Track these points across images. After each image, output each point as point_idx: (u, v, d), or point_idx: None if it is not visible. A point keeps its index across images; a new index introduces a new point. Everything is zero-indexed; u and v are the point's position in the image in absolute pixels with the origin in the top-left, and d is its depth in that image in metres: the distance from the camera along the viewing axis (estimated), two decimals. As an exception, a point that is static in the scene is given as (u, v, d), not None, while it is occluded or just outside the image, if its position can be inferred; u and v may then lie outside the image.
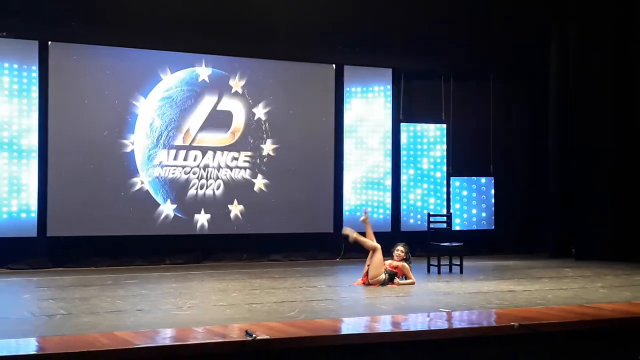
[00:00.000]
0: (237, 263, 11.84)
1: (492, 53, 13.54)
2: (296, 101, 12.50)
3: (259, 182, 12.14)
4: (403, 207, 13.19)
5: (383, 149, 13.04)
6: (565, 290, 8.90)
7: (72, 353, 4.85)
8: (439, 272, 10.56)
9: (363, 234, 9.64)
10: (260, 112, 12.13)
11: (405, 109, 13.29)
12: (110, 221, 11.27)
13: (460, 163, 13.55)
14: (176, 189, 11.65)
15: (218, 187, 11.91)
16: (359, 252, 12.61)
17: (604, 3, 12.87)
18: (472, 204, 13.52)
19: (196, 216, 11.75)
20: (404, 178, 13.24)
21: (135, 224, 11.43)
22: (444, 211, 13.08)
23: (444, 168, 13.42)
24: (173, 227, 11.65)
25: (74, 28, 11.09)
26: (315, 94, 12.66)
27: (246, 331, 5.35)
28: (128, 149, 11.41)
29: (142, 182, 11.48)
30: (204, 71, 11.80)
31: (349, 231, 9.65)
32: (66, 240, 11.08)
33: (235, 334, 5.63)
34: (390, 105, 13.11)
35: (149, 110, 11.53)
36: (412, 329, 6.14)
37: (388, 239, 12.90)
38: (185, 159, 11.72)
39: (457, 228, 12.95)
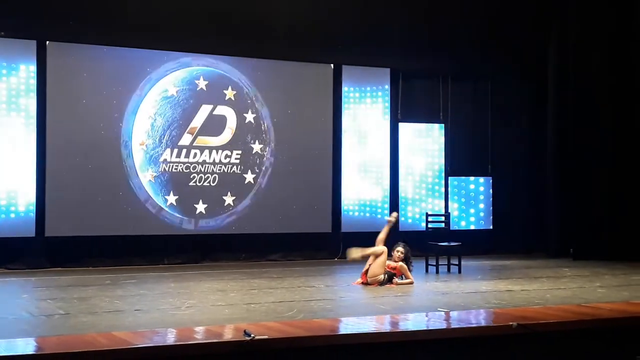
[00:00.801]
0: (236, 263, 11.83)
1: (491, 53, 13.54)
2: (294, 101, 12.50)
3: (249, 177, 12.12)
4: (401, 206, 13.19)
5: (381, 149, 13.04)
6: (563, 290, 8.91)
7: (70, 353, 4.85)
8: (437, 272, 10.56)
9: (377, 233, 9.60)
10: (250, 116, 12.12)
11: (404, 109, 13.30)
12: (109, 221, 11.26)
13: (458, 163, 13.57)
14: (178, 182, 11.67)
15: (214, 181, 11.92)
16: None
17: (603, 3, 12.88)
18: (470, 204, 13.53)
19: (195, 205, 11.77)
20: (401, 178, 13.24)
21: (134, 224, 11.42)
22: (442, 211, 13.09)
23: (442, 168, 13.43)
24: (171, 227, 11.65)
25: (72, 28, 11.08)
26: (313, 94, 12.66)
27: (244, 331, 5.35)
28: (126, 149, 11.41)
29: (141, 182, 11.48)
30: (201, 82, 11.81)
31: (354, 254, 9.52)
32: (64, 240, 11.07)
33: (233, 333, 5.64)
34: (388, 105, 13.12)
35: (147, 110, 11.53)
36: (411, 328, 6.15)
37: (387, 239, 12.96)
38: (186, 157, 11.73)
39: (456, 228, 12.98)
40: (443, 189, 13.39)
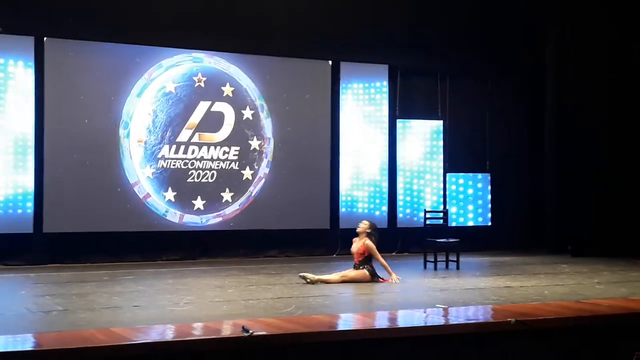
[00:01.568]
0: (234, 259, 11.83)
1: (489, 50, 13.54)
2: (292, 98, 12.49)
3: (247, 173, 12.12)
4: (399, 203, 13.19)
5: (379, 145, 13.04)
6: (561, 286, 8.92)
7: (69, 349, 4.85)
8: (435, 268, 10.57)
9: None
10: (248, 112, 12.11)
11: (402, 106, 13.29)
12: (107, 217, 11.26)
13: (456, 159, 13.57)
14: (176, 179, 11.66)
15: (212, 177, 11.92)
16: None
17: (602, 1, 12.88)
18: (468, 201, 13.53)
19: (193, 202, 11.76)
20: (400, 174, 13.24)
21: (132, 220, 11.42)
22: (441, 207, 13.09)
23: (440, 164, 13.43)
24: (170, 224, 11.64)
25: (70, 24, 11.06)
26: (311, 90, 12.65)
27: (243, 327, 5.35)
28: (124, 145, 11.40)
29: (139, 178, 11.47)
30: (200, 78, 11.80)
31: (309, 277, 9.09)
32: (63, 237, 11.06)
33: (231, 330, 5.63)
34: (386, 101, 13.11)
35: (146, 106, 11.52)
36: (409, 325, 6.16)
37: (385, 236, 12.96)
38: (184, 153, 11.72)
39: (454, 224, 12.98)
40: (441, 186, 13.39)
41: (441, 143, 13.40)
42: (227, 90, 12.02)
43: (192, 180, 11.79)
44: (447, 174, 13.44)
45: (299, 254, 12.36)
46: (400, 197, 13.21)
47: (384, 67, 13.11)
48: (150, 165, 11.53)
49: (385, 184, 13.05)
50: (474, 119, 13.77)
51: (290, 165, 12.42)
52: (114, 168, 11.34)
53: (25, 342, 5.25)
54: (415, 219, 13.08)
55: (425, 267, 10.73)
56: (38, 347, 4.99)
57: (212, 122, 11.91)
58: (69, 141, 11.07)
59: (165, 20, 11.51)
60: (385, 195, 13.04)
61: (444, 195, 13.40)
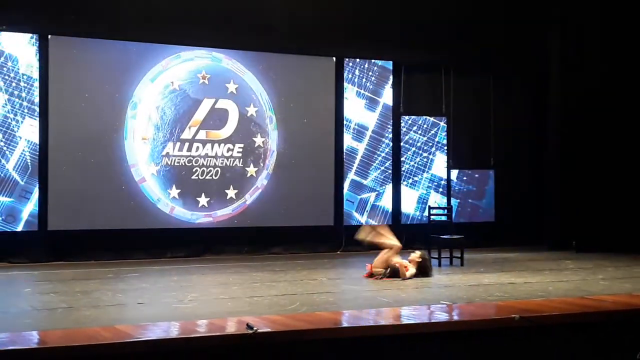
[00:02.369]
0: (238, 256, 11.85)
1: (493, 46, 13.51)
2: (296, 94, 12.48)
3: (251, 170, 12.12)
4: (403, 199, 13.18)
5: (383, 142, 13.03)
6: (565, 282, 8.91)
7: (73, 346, 4.85)
8: (439, 265, 10.56)
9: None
10: (252, 109, 12.11)
11: (406, 102, 13.29)
12: (112, 214, 11.28)
13: (460, 156, 13.56)
14: (180, 176, 11.67)
15: (216, 174, 11.92)
16: (359, 245, 12.67)
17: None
18: (472, 197, 13.51)
19: (197, 199, 11.77)
20: (404, 171, 13.23)
21: (137, 218, 11.43)
22: (445, 204, 13.08)
23: (444, 161, 13.42)
24: (174, 221, 11.66)
25: (74, 21, 11.07)
26: (315, 87, 12.65)
27: (247, 324, 5.35)
28: (129, 142, 11.41)
29: (144, 175, 11.48)
30: (203, 75, 11.81)
31: (362, 235, 9.40)
32: (67, 234, 11.08)
33: (236, 327, 5.64)
34: (391, 98, 13.10)
35: (150, 104, 11.53)
36: (413, 321, 6.15)
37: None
38: (189, 150, 11.72)
39: (460, 220, 12.98)
40: (445, 182, 13.38)
41: (445, 139, 13.39)
42: (231, 87, 12.02)
43: (197, 178, 11.80)
44: (451, 170, 13.43)
45: (303, 250, 12.36)
46: (404, 193, 13.19)
47: (388, 63, 13.10)
48: (154, 163, 11.53)
49: (389, 180, 13.04)
50: (478, 115, 13.75)
51: (294, 162, 12.42)
52: (118, 165, 11.35)
53: (30, 340, 5.26)
54: (419, 215, 13.07)
55: (429, 263, 10.72)
56: (43, 345, 5.00)
57: (216, 119, 11.91)
58: (73, 138, 11.08)
59: (169, 17, 11.50)
60: (390, 192, 13.02)
61: (448, 192, 13.39)
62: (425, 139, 13.35)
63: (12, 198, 10.74)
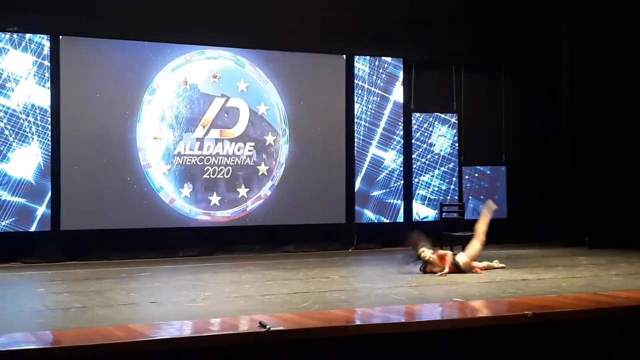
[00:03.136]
0: (250, 255, 11.86)
1: (504, 42, 13.49)
2: (307, 92, 12.49)
3: (263, 169, 12.12)
4: (415, 196, 13.17)
5: (395, 139, 13.02)
6: (579, 278, 8.88)
7: (87, 346, 4.87)
8: (452, 262, 10.52)
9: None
10: (263, 108, 12.12)
11: (417, 99, 13.27)
12: (124, 214, 11.31)
13: (472, 152, 13.53)
14: (192, 175, 11.71)
15: (227, 173, 11.93)
16: (371, 243, 12.68)
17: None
18: (484, 193, 13.48)
19: (209, 197, 11.79)
20: (415, 168, 13.21)
21: (149, 217, 11.47)
22: (457, 201, 13.06)
23: (456, 158, 13.40)
24: (186, 220, 11.68)
25: (85, 22, 11.12)
26: (326, 84, 12.65)
27: (260, 322, 5.36)
28: (140, 142, 11.44)
29: (155, 175, 11.51)
30: (214, 74, 11.84)
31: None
32: (80, 234, 11.12)
33: (249, 325, 5.65)
34: (401, 95, 13.08)
35: (161, 103, 11.55)
36: (426, 319, 6.14)
37: (401, 230, 12.95)
38: (200, 149, 11.74)
39: (471, 217, 12.94)
40: (457, 179, 13.36)
41: (456, 136, 13.37)
42: (242, 85, 12.03)
43: (208, 176, 11.82)
44: (463, 167, 13.41)
45: (315, 248, 12.36)
46: (416, 190, 13.18)
47: (399, 61, 13.09)
48: (166, 161, 11.56)
49: (400, 178, 13.03)
50: (489, 112, 13.72)
51: (306, 160, 12.42)
52: (130, 165, 11.38)
53: (44, 339, 5.28)
54: (432, 212, 13.06)
55: (441, 260, 10.70)
56: (57, 344, 5.02)
57: (227, 118, 11.93)
58: (85, 138, 11.13)
59: (180, 17, 11.55)
60: (401, 189, 13.02)
61: (460, 189, 13.37)
62: (436, 135, 13.31)
63: (25, 199, 10.79)
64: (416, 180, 13.21)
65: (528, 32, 13.54)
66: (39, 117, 10.88)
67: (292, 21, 12.20)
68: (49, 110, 10.94)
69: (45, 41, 10.93)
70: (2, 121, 10.70)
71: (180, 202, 11.65)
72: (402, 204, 13.03)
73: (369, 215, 12.81)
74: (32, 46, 10.87)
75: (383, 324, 5.82)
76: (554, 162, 13.77)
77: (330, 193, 12.56)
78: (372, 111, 12.90)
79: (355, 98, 12.79)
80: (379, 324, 5.86)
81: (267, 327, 5.25)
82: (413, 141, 13.19)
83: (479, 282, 8.58)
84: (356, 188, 12.76)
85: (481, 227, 9.51)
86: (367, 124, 12.86)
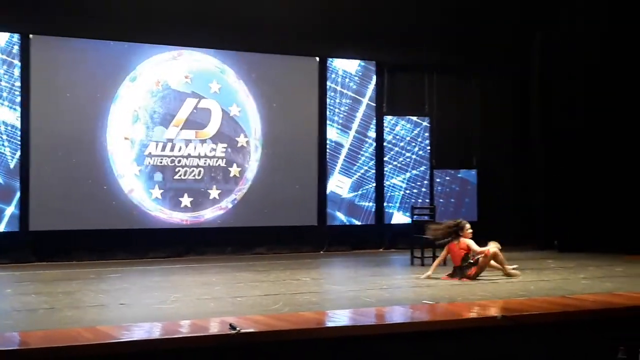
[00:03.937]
0: (221, 256, 11.82)
1: (476, 47, 13.56)
2: (280, 94, 12.48)
3: (234, 170, 12.09)
4: (387, 199, 13.20)
5: (367, 142, 13.05)
6: (547, 281, 8.95)
7: (55, 347, 4.84)
8: (422, 264, 10.56)
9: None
10: (235, 109, 12.09)
11: (389, 102, 13.31)
12: (93, 215, 11.22)
13: (443, 156, 13.59)
14: (163, 176, 11.64)
15: (199, 174, 11.89)
16: (342, 245, 12.71)
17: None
18: (455, 197, 13.55)
19: (180, 199, 11.74)
20: (387, 171, 13.25)
21: (118, 218, 11.38)
22: (428, 204, 13.11)
23: (428, 161, 13.45)
24: (156, 221, 11.62)
25: (56, 21, 11.02)
26: (299, 87, 12.66)
27: (230, 324, 5.35)
28: (110, 143, 11.35)
29: (126, 176, 11.44)
30: (186, 75, 11.79)
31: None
32: (49, 235, 11.01)
33: (219, 327, 5.64)
34: (374, 98, 13.12)
35: (132, 103, 11.48)
36: (396, 321, 6.17)
37: (372, 232, 13.01)
38: (171, 150, 11.69)
39: (442, 220, 12.99)
40: (428, 182, 13.41)
41: (428, 139, 13.42)
42: (214, 86, 12.00)
43: (179, 177, 11.77)
44: (434, 170, 13.47)
45: (286, 250, 12.35)
46: (387, 193, 13.21)
47: (371, 64, 13.12)
48: (136, 162, 11.49)
49: (372, 180, 13.06)
50: (461, 115, 13.79)
51: (278, 161, 12.41)
52: (100, 165, 11.30)
53: (11, 341, 5.23)
54: (403, 215, 13.10)
55: (412, 263, 10.75)
56: (24, 346, 4.97)
57: (199, 119, 11.88)
58: (54, 138, 11.02)
59: (152, 17, 11.48)
60: (373, 192, 13.05)
61: (431, 192, 13.42)
62: (408, 138, 13.36)
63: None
64: (387, 182, 13.24)
65: (501, 37, 13.63)
66: (7, 116, 10.75)
67: (266, 23, 12.16)
68: (18, 109, 10.82)
69: (15, 40, 10.82)
70: (-30, 120, 10.59)
71: (150, 203, 11.58)
72: (374, 207, 13.06)
73: (341, 217, 12.83)
74: (2, 45, 10.76)
75: (353, 326, 5.84)
76: (525, 166, 13.89)
77: (302, 195, 12.56)
78: (345, 114, 12.93)
79: (328, 100, 12.81)
80: (350, 326, 5.87)
81: (238, 329, 5.24)
82: (385, 144, 13.22)
83: (449, 285, 8.62)
84: (328, 190, 12.77)
85: (477, 248, 9.38)
86: (339, 127, 12.87)
